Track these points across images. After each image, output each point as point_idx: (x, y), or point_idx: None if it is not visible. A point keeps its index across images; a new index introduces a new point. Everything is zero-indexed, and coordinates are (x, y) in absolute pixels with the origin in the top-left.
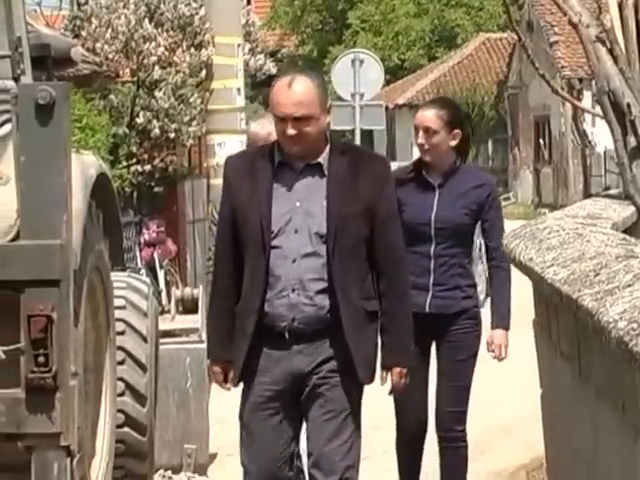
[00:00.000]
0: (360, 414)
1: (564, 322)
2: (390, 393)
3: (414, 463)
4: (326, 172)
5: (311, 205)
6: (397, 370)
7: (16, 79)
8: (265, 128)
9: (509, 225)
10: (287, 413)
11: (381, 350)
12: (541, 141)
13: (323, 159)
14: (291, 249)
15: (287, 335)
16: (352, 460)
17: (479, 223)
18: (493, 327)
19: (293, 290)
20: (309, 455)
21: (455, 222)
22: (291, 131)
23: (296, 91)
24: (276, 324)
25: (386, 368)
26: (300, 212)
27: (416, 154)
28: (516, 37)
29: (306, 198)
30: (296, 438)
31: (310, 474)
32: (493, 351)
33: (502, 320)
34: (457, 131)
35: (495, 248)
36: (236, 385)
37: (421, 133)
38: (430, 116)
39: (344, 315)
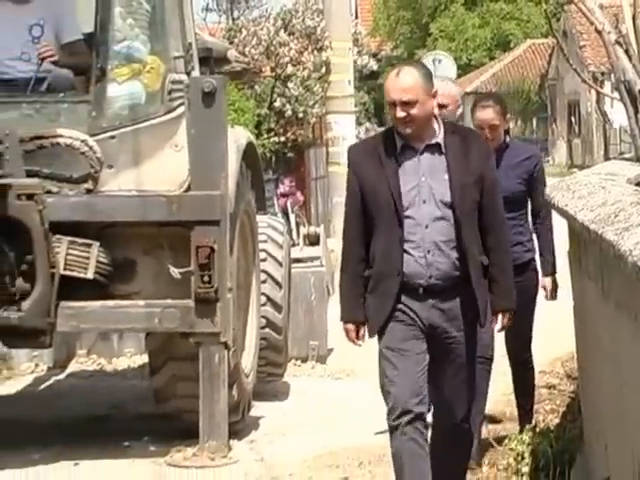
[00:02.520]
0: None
1: (591, 252)
2: (499, 331)
3: None
4: (444, 150)
5: (434, 178)
6: (506, 313)
7: (188, 73)
8: None
9: (549, 181)
10: (421, 352)
11: (491, 297)
12: (573, 119)
13: (440, 139)
14: (423, 217)
15: (421, 291)
16: (469, 399)
17: None
18: (544, 274)
19: (429, 251)
20: (432, 392)
21: (511, 190)
22: (400, 113)
23: (402, 79)
24: (412, 282)
25: (496, 312)
26: (425, 185)
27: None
28: (555, 42)
29: (429, 173)
30: (426, 373)
31: (434, 411)
32: (547, 296)
33: (551, 268)
34: (508, 116)
35: (540, 209)
36: (373, 336)
37: (487, 131)
38: (492, 115)
39: (471, 269)
